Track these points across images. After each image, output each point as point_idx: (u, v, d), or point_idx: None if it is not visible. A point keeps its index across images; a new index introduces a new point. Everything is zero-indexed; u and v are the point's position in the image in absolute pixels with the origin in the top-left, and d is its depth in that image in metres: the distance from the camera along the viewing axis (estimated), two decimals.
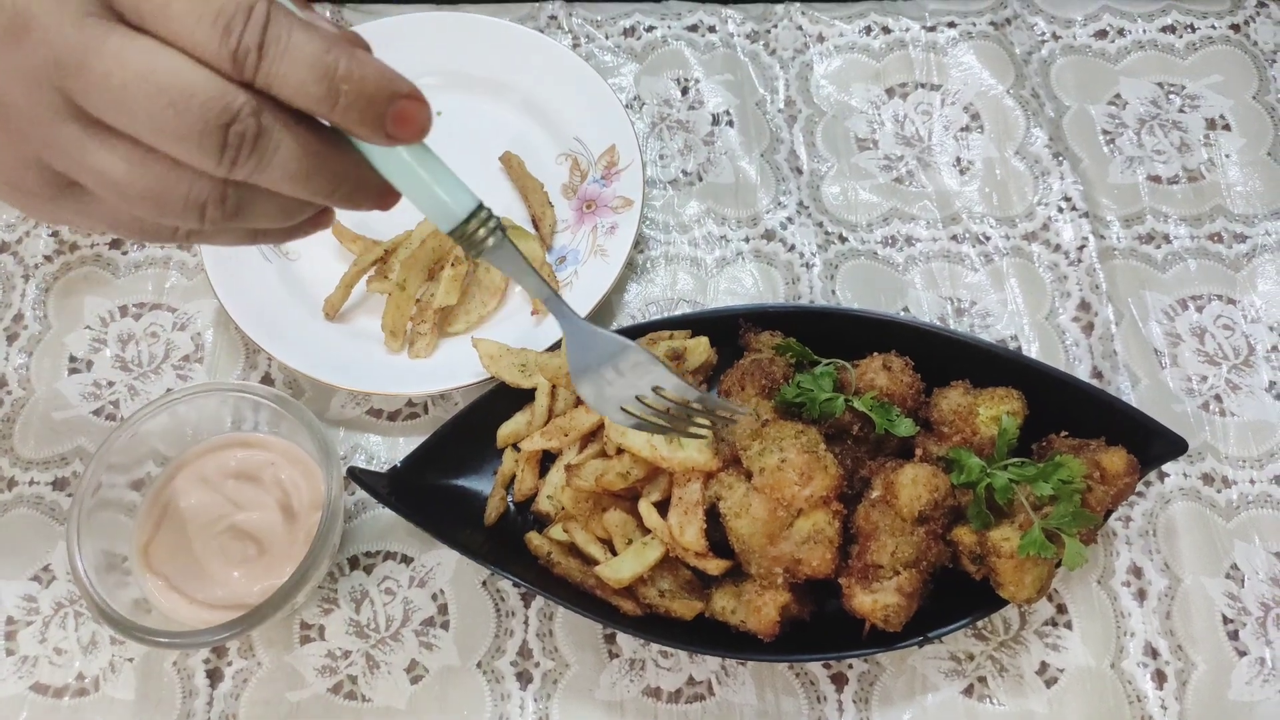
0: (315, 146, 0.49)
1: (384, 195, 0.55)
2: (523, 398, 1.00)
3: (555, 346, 1.01)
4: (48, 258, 1.17)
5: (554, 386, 0.98)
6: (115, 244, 1.18)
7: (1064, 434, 0.94)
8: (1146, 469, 0.92)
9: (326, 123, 0.50)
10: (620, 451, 0.93)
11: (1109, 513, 0.92)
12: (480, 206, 0.57)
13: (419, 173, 0.54)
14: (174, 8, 0.43)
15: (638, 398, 0.79)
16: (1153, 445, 0.93)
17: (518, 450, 0.99)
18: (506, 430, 1.00)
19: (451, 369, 1.04)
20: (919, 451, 0.93)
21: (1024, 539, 0.84)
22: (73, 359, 1.11)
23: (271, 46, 0.44)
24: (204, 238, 0.53)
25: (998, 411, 0.92)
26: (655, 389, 0.79)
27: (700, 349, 0.99)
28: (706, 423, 0.84)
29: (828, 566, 0.86)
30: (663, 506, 0.92)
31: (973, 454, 0.89)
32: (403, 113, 0.49)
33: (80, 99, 0.45)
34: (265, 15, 0.44)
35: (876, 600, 0.87)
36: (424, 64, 1.21)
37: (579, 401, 0.98)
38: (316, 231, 0.59)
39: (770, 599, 0.88)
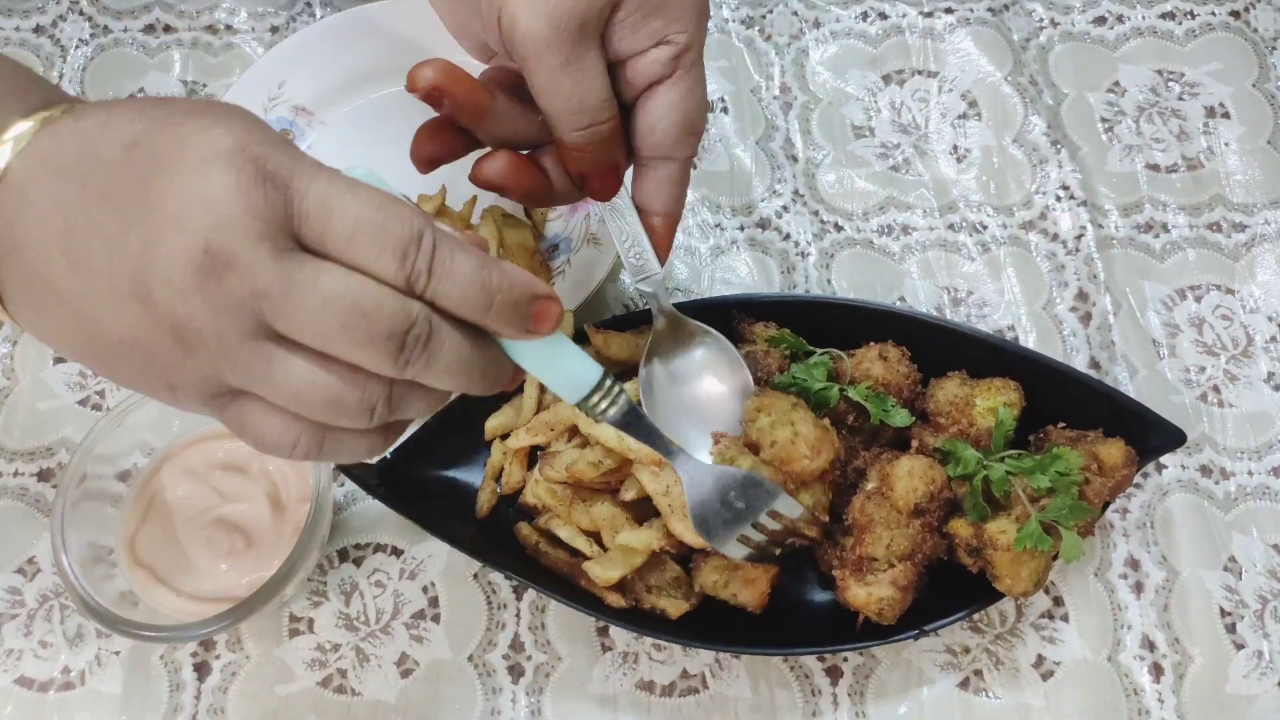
0: (469, 344, 0.56)
1: (516, 377, 0.62)
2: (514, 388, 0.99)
3: None
4: None
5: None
6: None
7: (1061, 425, 0.93)
8: (1144, 461, 0.91)
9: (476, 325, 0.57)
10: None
11: (1106, 505, 0.91)
12: (604, 378, 0.64)
13: (549, 355, 0.60)
14: (358, 241, 0.51)
15: (753, 525, 0.83)
16: (1151, 437, 0.92)
17: (505, 441, 0.98)
18: (494, 422, 0.99)
19: None
20: (915, 443, 0.92)
21: (1021, 532, 0.83)
22: None
23: (439, 268, 0.52)
24: (348, 440, 0.58)
25: (994, 403, 0.91)
26: (772, 513, 0.82)
27: None
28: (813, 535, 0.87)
29: (819, 537, 0.87)
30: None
31: (969, 446, 0.88)
32: (540, 311, 0.57)
33: (275, 321, 0.51)
34: (433, 243, 0.52)
35: (871, 593, 0.87)
36: (413, 43, 1.19)
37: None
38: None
39: (764, 572, 0.88)
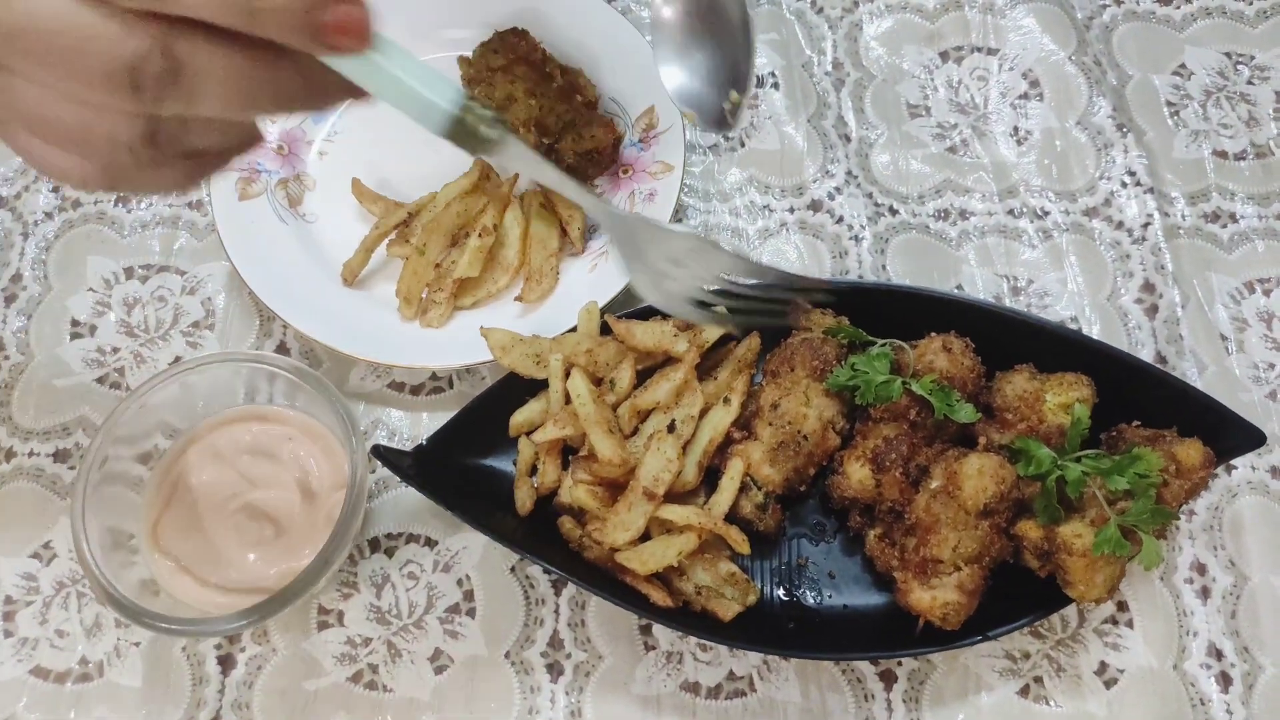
0: (250, 64, 0.45)
1: (349, 91, 0.49)
2: None
3: (570, 331, 0.95)
4: (48, 214, 1.10)
5: (569, 367, 0.91)
6: (120, 200, 1.11)
7: (1136, 424, 0.88)
8: (1220, 461, 0.87)
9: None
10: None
11: (1179, 507, 0.86)
12: (470, 98, 0.52)
13: (389, 73, 0.48)
14: None
15: (706, 289, 0.73)
16: (1227, 436, 0.87)
17: (532, 436, 0.93)
18: (519, 418, 0.94)
19: (479, 342, 0.98)
20: (981, 440, 0.88)
21: (1099, 536, 0.78)
22: (75, 323, 1.05)
23: None
24: (143, 174, 0.49)
25: (1068, 399, 0.86)
26: (723, 278, 0.72)
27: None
28: (782, 309, 0.78)
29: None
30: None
31: (1041, 444, 0.84)
32: (338, 23, 0.45)
33: None
34: None
35: (936, 597, 0.83)
36: (449, 15, 1.14)
37: (598, 381, 0.92)
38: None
39: (743, 594, 0.87)
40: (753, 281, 0.74)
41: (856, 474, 0.88)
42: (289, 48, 0.46)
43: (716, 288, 0.73)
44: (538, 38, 1.09)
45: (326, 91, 0.49)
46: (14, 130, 0.47)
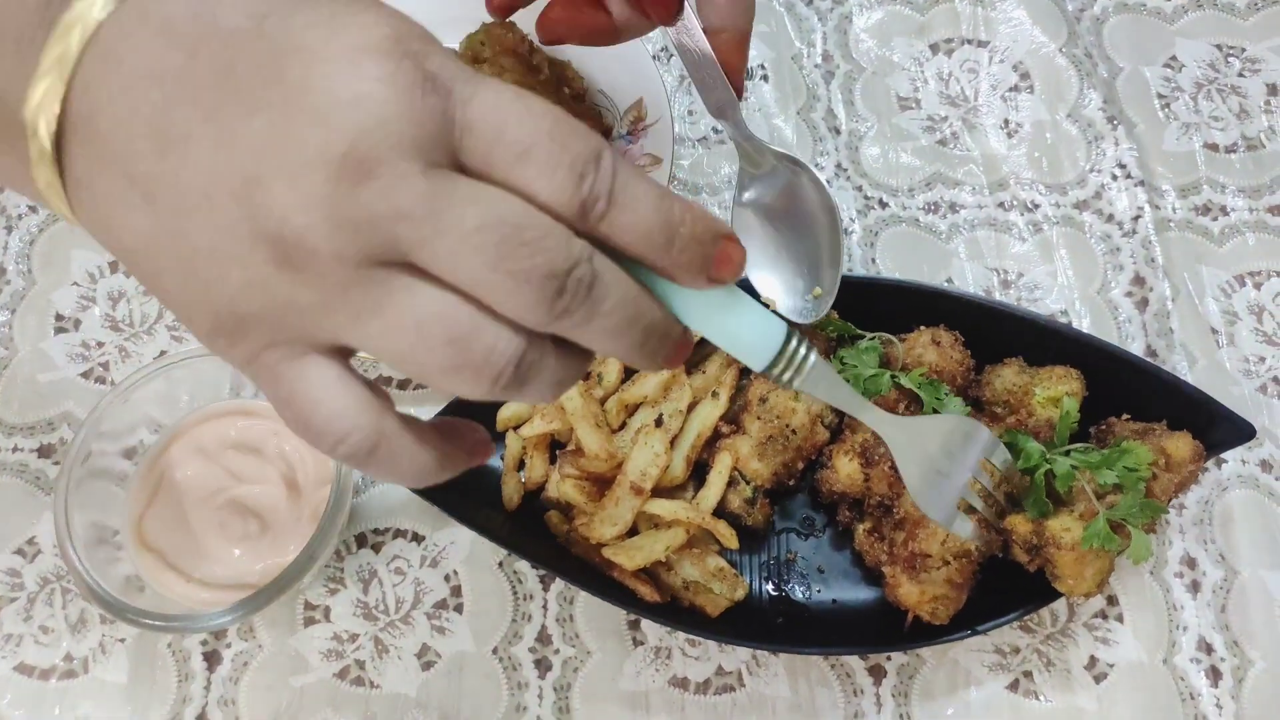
0: (636, 293, 0.46)
1: (683, 348, 0.51)
2: None
3: None
4: (32, 208, 1.09)
5: None
6: None
7: (1125, 417, 0.88)
8: (1210, 455, 0.86)
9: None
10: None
11: (1168, 502, 0.86)
12: (789, 336, 0.51)
13: (724, 311, 0.49)
14: (531, 159, 0.42)
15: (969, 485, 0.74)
16: (1217, 430, 0.87)
17: (519, 431, 0.93)
18: (506, 413, 0.93)
19: None
20: None
21: (1088, 530, 0.78)
22: (59, 317, 1.04)
23: (620, 194, 0.44)
24: (404, 450, 0.49)
25: (1057, 392, 0.86)
26: (985, 465, 0.74)
27: None
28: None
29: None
30: None
31: (1030, 438, 0.83)
32: (724, 254, 0.47)
33: (412, 250, 0.41)
34: (613, 163, 0.43)
35: (924, 591, 0.82)
36: (435, 7, 1.13)
37: (585, 375, 0.92)
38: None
39: (730, 588, 0.87)
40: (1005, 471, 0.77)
41: (845, 468, 0.87)
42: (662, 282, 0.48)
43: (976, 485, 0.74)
44: (525, 29, 1.08)
45: (668, 344, 0.49)
46: (304, 364, 0.45)
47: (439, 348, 0.43)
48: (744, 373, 0.93)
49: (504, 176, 0.42)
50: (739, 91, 0.75)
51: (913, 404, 0.88)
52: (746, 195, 0.84)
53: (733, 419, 0.91)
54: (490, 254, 0.41)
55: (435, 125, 0.41)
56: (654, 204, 0.45)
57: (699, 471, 0.90)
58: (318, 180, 0.39)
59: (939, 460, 0.71)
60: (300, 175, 0.40)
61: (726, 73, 0.74)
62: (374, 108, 0.39)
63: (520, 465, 0.92)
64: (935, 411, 0.86)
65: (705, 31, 0.72)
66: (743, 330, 0.50)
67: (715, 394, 0.91)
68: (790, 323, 0.53)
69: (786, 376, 0.52)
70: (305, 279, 0.41)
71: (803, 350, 0.52)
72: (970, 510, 0.75)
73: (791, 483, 0.91)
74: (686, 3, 0.71)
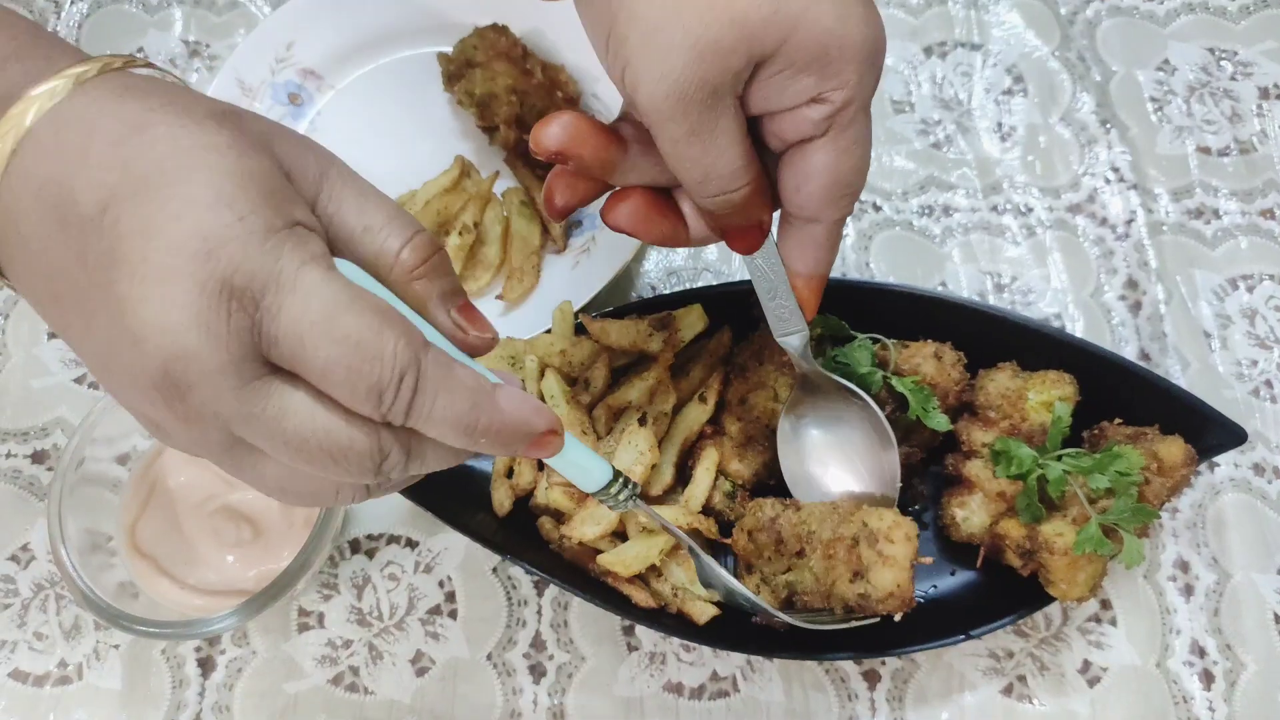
0: (455, 453, 0.54)
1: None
2: None
3: (545, 333, 0.94)
4: None
5: (544, 368, 0.91)
6: None
7: (1118, 421, 0.88)
8: (1203, 459, 0.87)
9: None
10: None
11: (1161, 506, 0.86)
12: (613, 480, 0.66)
13: (562, 454, 0.59)
14: (330, 380, 0.47)
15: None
16: (1209, 434, 0.87)
17: None
18: None
19: None
20: (964, 439, 0.88)
21: (1081, 535, 0.78)
22: None
23: (417, 413, 0.49)
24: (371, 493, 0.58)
25: (1050, 397, 0.86)
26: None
27: (692, 318, 0.92)
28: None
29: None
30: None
31: (1023, 444, 0.83)
32: (537, 445, 0.55)
33: (244, 439, 0.50)
34: (414, 386, 0.48)
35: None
36: (429, 11, 1.13)
37: (573, 381, 0.92)
38: None
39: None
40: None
41: None
42: None
43: None
44: (518, 33, 1.08)
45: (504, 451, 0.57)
46: (248, 479, 0.54)
47: (305, 496, 0.54)
48: (725, 375, 0.93)
49: (313, 383, 0.48)
50: (809, 320, 0.76)
51: (899, 409, 0.88)
52: (797, 417, 0.86)
53: (712, 419, 0.91)
54: (305, 458, 0.49)
55: (241, 346, 0.46)
56: (455, 419, 0.50)
57: (682, 473, 0.90)
58: (149, 390, 0.46)
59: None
60: (135, 383, 0.47)
61: (801, 307, 0.74)
62: (182, 338, 0.44)
63: (510, 472, 0.92)
64: (918, 423, 0.86)
65: (784, 263, 0.71)
66: (575, 468, 0.64)
67: (702, 397, 0.91)
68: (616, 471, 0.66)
69: (610, 505, 0.67)
70: (184, 435, 0.49)
71: (624, 495, 0.67)
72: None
73: (772, 482, 0.91)
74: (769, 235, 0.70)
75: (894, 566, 0.76)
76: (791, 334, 0.77)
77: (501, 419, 0.52)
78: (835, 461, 0.86)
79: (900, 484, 0.84)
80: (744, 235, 0.67)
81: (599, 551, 0.86)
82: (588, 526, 0.84)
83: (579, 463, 0.64)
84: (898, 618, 0.79)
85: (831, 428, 0.85)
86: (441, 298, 0.55)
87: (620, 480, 0.66)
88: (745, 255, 0.71)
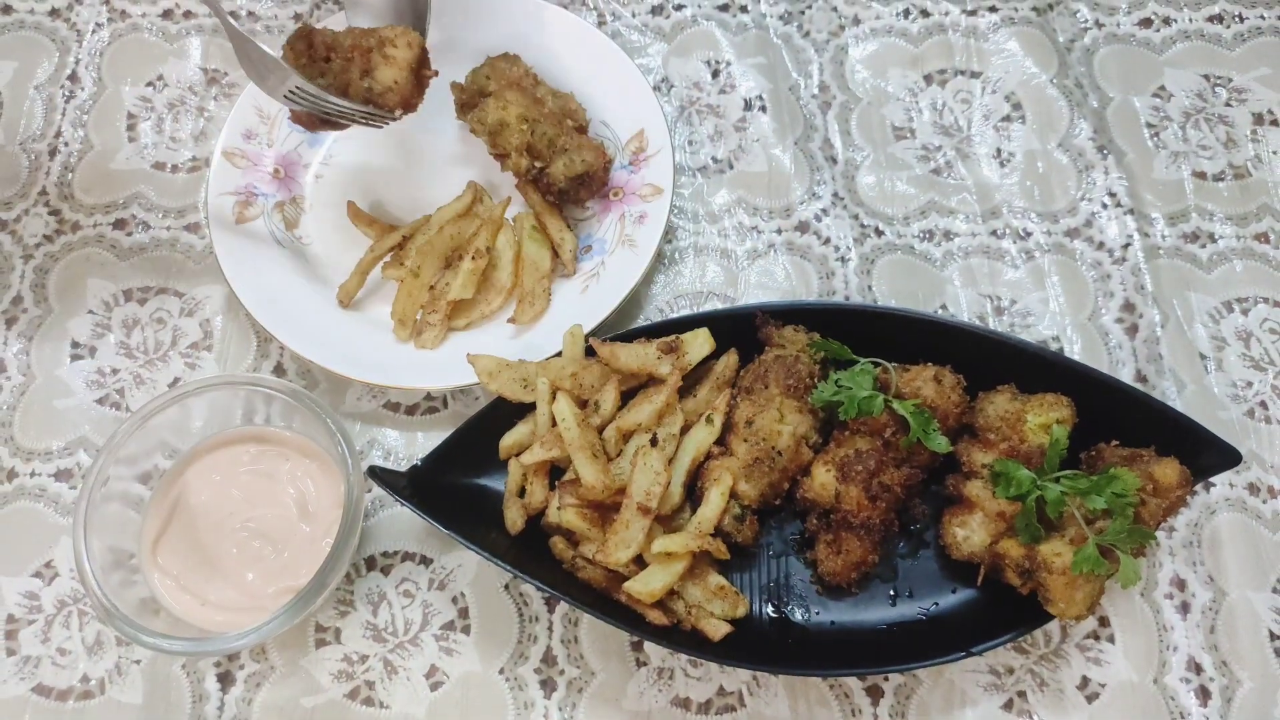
0: None
1: None
2: None
3: (555, 356, 0.97)
4: (48, 237, 1.11)
5: (555, 391, 0.93)
6: (118, 225, 1.12)
7: (1114, 443, 0.90)
8: (1198, 480, 0.89)
9: None
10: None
11: (1156, 526, 0.88)
12: None
13: None
14: None
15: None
16: (1205, 455, 0.89)
17: (520, 458, 0.95)
18: (509, 440, 0.96)
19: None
20: (964, 460, 0.90)
21: (1078, 555, 0.80)
22: (75, 345, 1.06)
23: None
24: None
25: (1047, 419, 0.88)
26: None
27: (699, 341, 0.95)
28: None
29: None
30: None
31: (1021, 466, 0.86)
32: None
33: None
34: None
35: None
36: (440, 41, 1.15)
37: (583, 403, 0.94)
38: None
39: (734, 604, 0.88)
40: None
41: (820, 477, 0.90)
42: None
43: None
44: (528, 63, 1.11)
45: None
46: None
47: None
48: (731, 397, 0.95)
49: None
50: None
51: (900, 431, 0.90)
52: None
53: (719, 439, 0.94)
54: None
55: None
56: None
57: (688, 493, 0.93)
58: None
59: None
60: None
61: None
62: None
63: (521, 491, 0.95)
64: (919, 444, 0.89)
65: None
66: None
67: (710, 419, 0.93)
68: None
69: None
70: None
71: None
72: None
73: (777, 502, 0.93)
74: None
75: (394, 66, 0.99)
76: None
77: None
78: None
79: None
80: None
81: (612, 572, 0.88)
82: (620, 551, 0.86)
83: None
84: None
85: None
86: None
87: None
88: None
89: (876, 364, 0.93)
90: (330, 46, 1.00)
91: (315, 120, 1.02)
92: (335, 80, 1.00)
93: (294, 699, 0.92)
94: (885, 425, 0.91)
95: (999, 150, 1.15)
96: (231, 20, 0.93)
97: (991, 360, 0.94)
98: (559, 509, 0.90)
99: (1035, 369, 0.93)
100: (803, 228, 1.11)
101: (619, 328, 0.98)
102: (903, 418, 0.89)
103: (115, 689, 0.92)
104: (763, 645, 0.90)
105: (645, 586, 0.85)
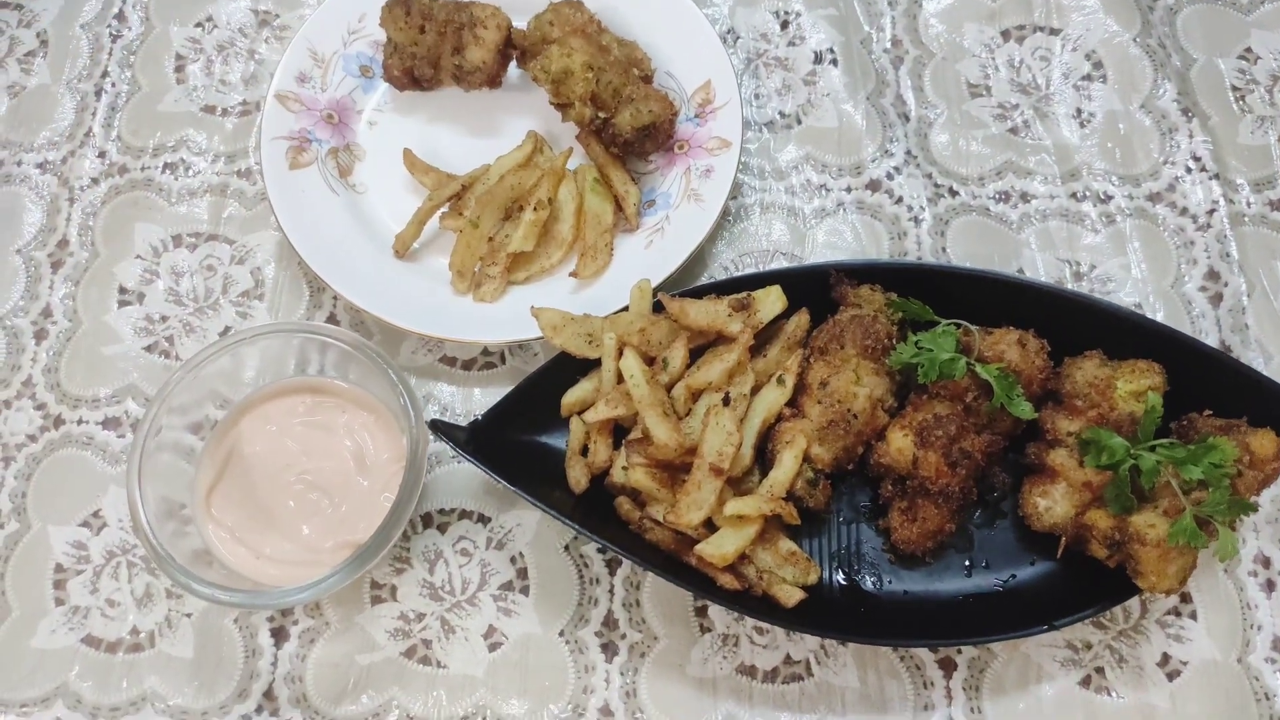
0: None
1: None
2: None
3: (621, 310, 0.93)
4: (94, 180, 1.08)
5: (622, 347, 0.90)
6: (167, 168, 1.09)
7: (1207, 413, 0.86)
8: None
9: None
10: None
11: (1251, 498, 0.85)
12: None
13: None
14: None
15: None
16: None
17: (583, 416, 0.92)
18: (571, 398, 0.93)
19: (533, 318, 0.96)
20: (1048, 427, 0.87)
21: (1175, 527, 0.77)
22: (123, 290, 1.04)
23: None
24: None
25: (1140, 386, 0.85)
26: None
27: (771, 299, 0.91)
28: None
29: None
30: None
31: (1114, 434, 0.82)
32: None
33: None
34: None
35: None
36: None
37: (650, 361, 0.91)
38: None
39: (805, 574, 0.86)
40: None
41: (897, 442, 0.86)
42: None
43: None
44: (592, 9, 1.07)
45: None
46: None
47: None
48: (804, 358, 0.92)
49: None
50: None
51: (982, 396, 0.86)
52: None
53: (791, 400, 0.90)
54: None
55: None
56: None
57: (759, 455, 0.89)
58: None
59: None
60: None
61: None
62: None
63: (584, 450, 0.92)
64: (1002, 410, 0.85)
65: None
66: None
67: (781, 380, 0.90)
68: None
69: None
70: None
71: None
72: None
73: (850, 466, 0.90)
74: None
75: (483, 47, 1.03)
76: None
77: None
78: None
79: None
80: None
81: (681, 534, 0.85)
82: (693, 512, 0.83)
83: None
84: None
85: None
86: None
87: None
88: None
89: (958, 325, 0.89)
90: (425, 16, 1.05)
91: (406, 79, 1.07)
92: (428, 53, 1.05)
93: (349, 655, 0.89)
94: (966, 390, 0.87)
95: (1079, 110, 1.11)
96: None
97: (1073, 324, 0.91)
98: (626, 468, 0.87)
99: (1120, 334, 0.90)
100: (874, 186, 1.07)
101: (682, 285, 0.95)
102: (985, 382, 0.86)
103: (165, 642, 0.90)
104: (833, 614, 0.87)
105: (718, 549, 0.82)
